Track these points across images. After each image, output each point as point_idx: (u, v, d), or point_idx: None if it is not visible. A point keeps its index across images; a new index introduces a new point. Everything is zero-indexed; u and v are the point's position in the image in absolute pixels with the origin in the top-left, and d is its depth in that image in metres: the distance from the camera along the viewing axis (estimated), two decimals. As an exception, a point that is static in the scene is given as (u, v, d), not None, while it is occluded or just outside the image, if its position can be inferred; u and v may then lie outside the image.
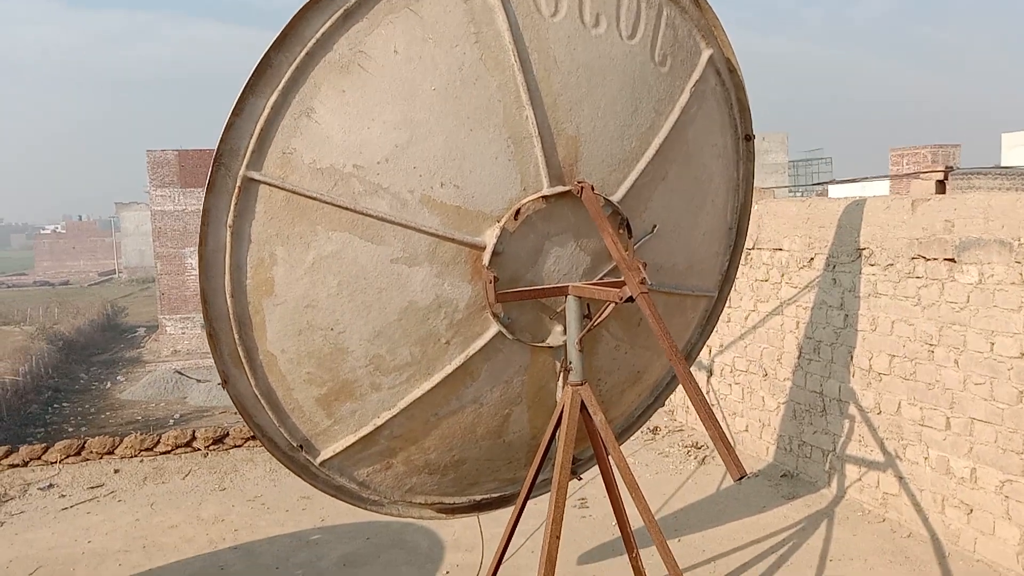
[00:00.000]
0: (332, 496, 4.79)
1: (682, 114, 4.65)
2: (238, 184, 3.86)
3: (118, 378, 36.88)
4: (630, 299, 3.91)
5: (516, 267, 4.28)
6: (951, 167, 7.34)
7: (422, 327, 4.21)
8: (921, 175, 7.25)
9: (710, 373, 9.32)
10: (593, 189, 4.20)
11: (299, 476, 4.64)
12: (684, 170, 4.80)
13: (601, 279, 4.57)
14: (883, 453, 6.66)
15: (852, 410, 7.00)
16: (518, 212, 4.13)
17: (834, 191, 24.08)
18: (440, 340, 4.28)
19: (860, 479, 7.01)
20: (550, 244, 4.35)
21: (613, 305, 4.15)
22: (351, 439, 4.50)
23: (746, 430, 8.71)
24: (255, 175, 3.87)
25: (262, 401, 4.29)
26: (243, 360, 4.17)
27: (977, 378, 5.73)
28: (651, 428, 9.80)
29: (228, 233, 3.92)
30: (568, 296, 4.33)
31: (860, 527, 6.75)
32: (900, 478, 6.54)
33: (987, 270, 5.60)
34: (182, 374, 34.01)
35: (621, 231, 4.48)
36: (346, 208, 3.92)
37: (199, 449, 9.30)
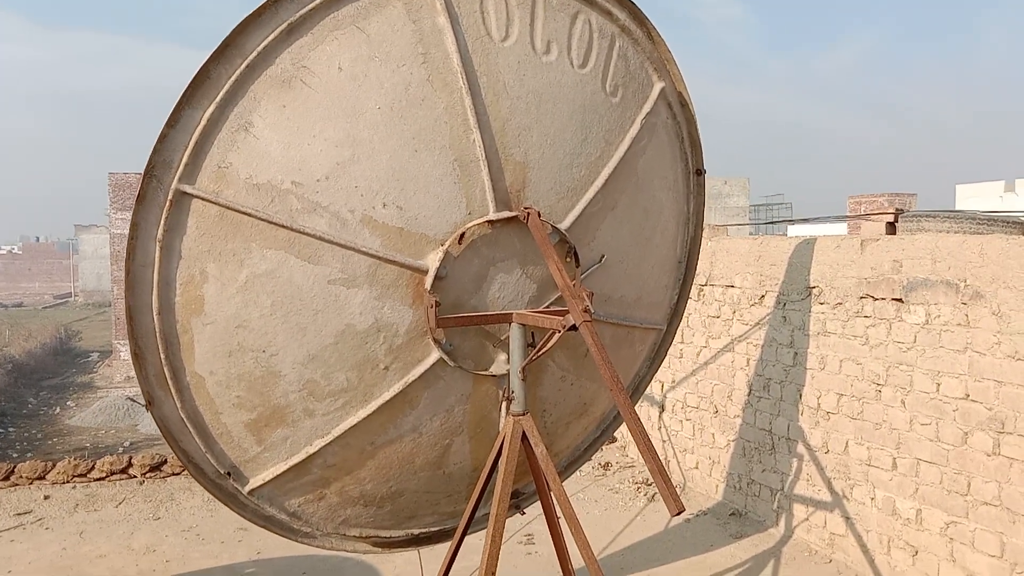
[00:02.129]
0: (262, 527, 4.58)
1: (632, 145, 4.61)
2: (170, 197, 3.71)
3: (68, 403, 35.81)
4: (573, 327, 3.81)
5: (459, 292, 4.16)
6: (901, 209, 7.41)
7: (360, 352, 4.06)
8: (871, 216, 7.30)
9: (662, 409, 9.24)
10: (540, 216, 4.11)
11: (227, 505, 4.43)
12: (633, 201, 4.74)
13: (547, 307, 4.47)
14: (830, 493, 6.60)
15: (800, 448, 6.95)
16: (462, 236, 4.03)
17: (793, 231, 24.43)
18: (378, 366, 4.13)
19: (808, 519, 6.94)
20: (495, 270, 4.24)
21: (557, 334, 4.04)
22: (282, 467, 4.30)
23: (696, 467, 8.62)
24: (188, 188, 3.72)
25: (188, 425, 4.09)
26: (169, 381, 3.98)
27: (923, 419, 5.71)
28: (602, 464, 9.67)
29: (157, 248, 3.75)
30: (512, 324, 4.22)
31: (807, 568, 6.66)
32: (847, 518, 6.48)
33: (934, 311, 5.61)
34: (134, 401, 33.07)
35: (568, 260, 4.40)
36: (282, 226, 3.78)
37: (135, 476, 8.96)
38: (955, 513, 5.50)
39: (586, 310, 3.79)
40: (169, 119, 3.65)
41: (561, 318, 3.89)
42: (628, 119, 4.61)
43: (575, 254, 4.39)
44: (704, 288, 8.24)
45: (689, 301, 6.58)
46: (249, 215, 3.75)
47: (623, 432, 9.34)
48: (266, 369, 4.00)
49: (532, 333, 4.33)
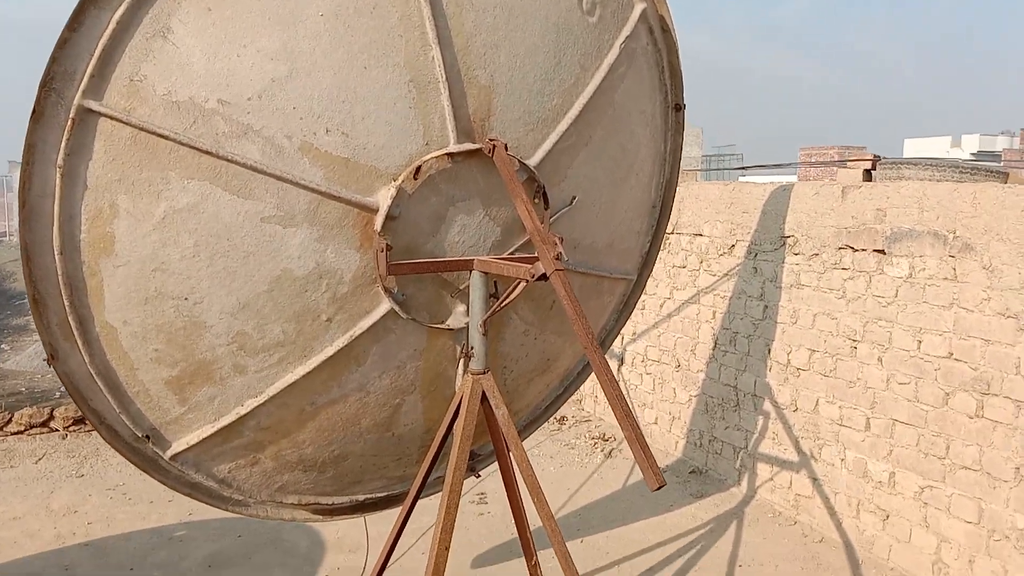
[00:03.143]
0: (187, 495, 4.13)
1: (610, 72, 4.15)
2: (72, 115, 3.15)
3: (2, 346, 34.47)
4: (543, 277, 3.38)
5: (414, 235, 3.70)
6: (879, 156, 7.12)
7: (298, 301, 3.58)
8: (848, 164, 6.99)
9: (621, 362, 8.95)
10: (507, 149, 3.65)
11: (146, 472, 3.97)
12: (609, 136, 4.30)
13: (511, 254, 4.03)
14: (797, 452, 6.39)
15: (767, 406, 6.71)
16: (418, 170, 3.55)
17: (743, 181, 24.38)
18: (320, 317, 3.66)
19: (772, 479, 6.73)
20: (455, 211, 3.78)
21: (524, 284, 3.62)
22: (209, 430, 3.84)
23: (655, 422, 8.37)
24: (94, 105, 3.16)
25: (99, 382, 3.59)
26: (75, 332, 3.46)
27: (901, 377, 5.47)
28: (557, 418, 9.37)
29: (58, 175, 3.20)
30: (473, 272, 3.78)
31: (771, 530, 6.47)
32: (814, 479, 6.28)
33: (919, 263, 5.33)
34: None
35: (536, 200, 3.96)
36: (207, 152, 3.26)
37: (57, 430, 8.37)
38: (931, 477, 5.30)
39: (558, 257, 3.37)
40: (70, 21, 3.07)
41: (529, 266, 3.46)
42: (606, 42, 4.14)
43: (544, 194, 3.96)
44: (670, 236, 7.89)
45: (656, 250, 6.21)
46: (167, 138, 3.22)
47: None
48: (189, 319, 3.51)
49: (495, 283, 3.91)
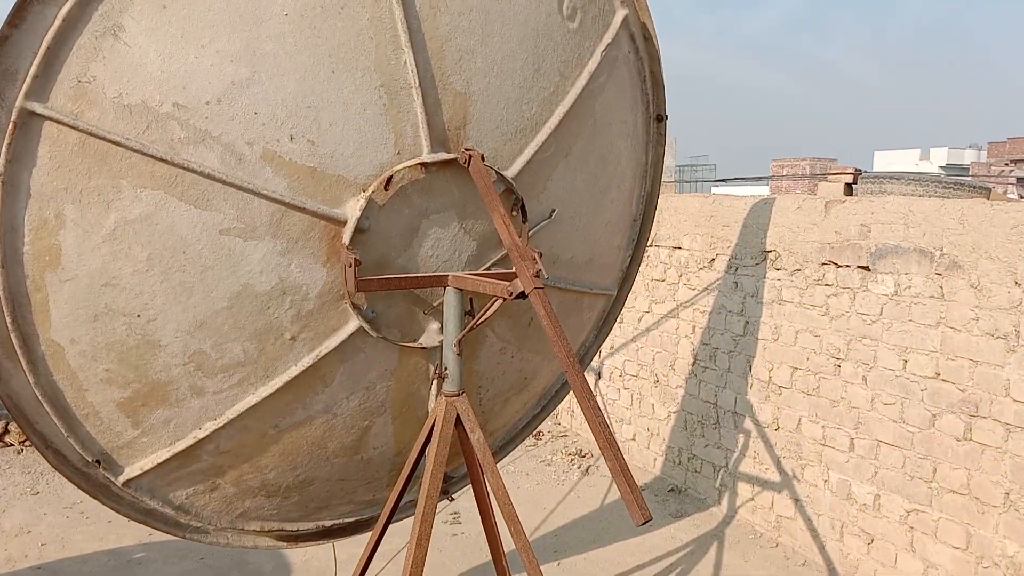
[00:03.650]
0: (141, 523, 3.88)
1: (591, 81, 3.99)
2: (13, 118, 2.94)
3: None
4: (522, 295, 3.20)
5: (384, 249, 3.50)
6: (860, 170, 7.01)
7: (260, 318, 3.37)
8: (829, 177, 6.88)
9: (599, 376, 8.78)
10: (483, 159, 3.47)
11: (96, 499, 3.73)
12: (590, 147, 4.14)
13: (487, 269, 3.85)
14: (779, 472, 6.24)
15: (748, 424, 6.56)
16: (389, 180, 3.37)
17: (717, 192, 24.40)
18: (283, 335, 3.45)
19: (753, 499, 6.58)
20: (428, 223, 3.59)
21: (500, 301, 3.42)
22: (165, 454, 3.61)
23: (633, 439, 8.20)
24: (38, 108, 2.94)
25: (45, 404, 3.36)
26: (18, 351, 3.23)
27: (887, 397, 5.33)
28: (533, 433, 9.17)
29: (-3, 183, 2.96)
30: (447, 288, 3.59)
31: (752, 552, 6.31)
32: (796, 500, 6.13)
33: (904, 281, 5.21)
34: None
35: (514, 214, 3.78)
36: (161, 159, 3.04)
37: (12, 444, 8.04)
38: (918, 500, 5.16)
39: (537, 274, 3.19)
40: (10, 17, 2.86)
41: (506, 283, 3.28)
42: (587, 50, 3.98)
43: (522, 207, 3.78)
44: (649, 249, 7.74)
45: (636, 263, 6.04)
46: (118, 144, 3.01)
47: (556, 400, 8.86)
48: (142, 337, 3.28)
49: (470, 299, 3.72)
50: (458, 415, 3.67)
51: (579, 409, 8.90)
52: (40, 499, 7.09)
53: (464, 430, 3.70)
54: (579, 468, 8.14)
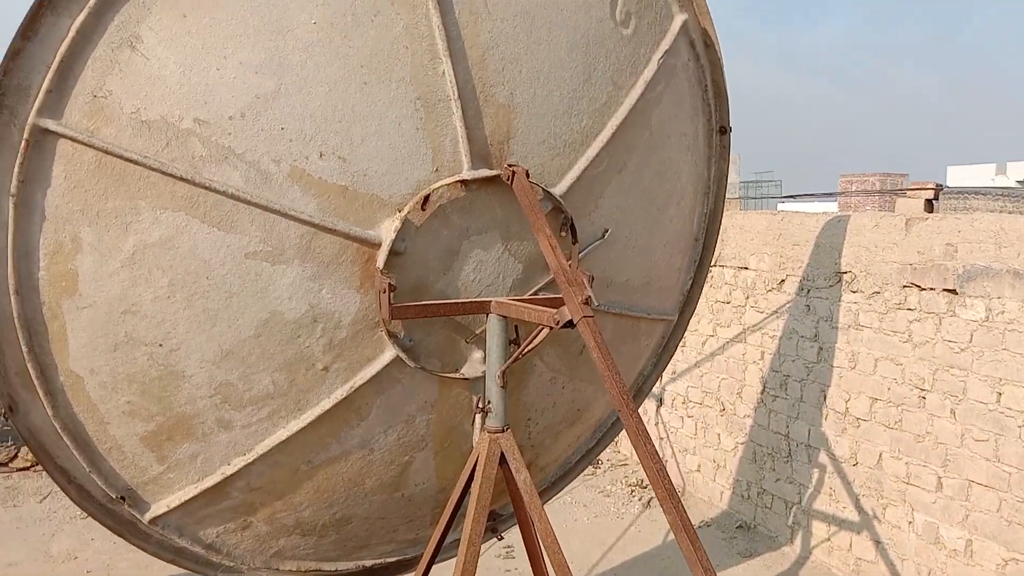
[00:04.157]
0: (170, 562, 3.69)
1: (647, 90, 3.70)
2: (26, 136, 2.79)
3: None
4: (569, 324, 2.91)
5: (422, 272, 3.26)
6: (941, 185, 6.55)
7: (290, 348, 3.15)
8: (908, 192, 6.43)
9: (660, 402, 8.40)
10: (528, 176, 3.20)
11: (122, 536, 3.55)
12: (646, 162, 3.84)
13: (535, 294, 3.57)
14: (858, 511, 5.78)
15: (823, 458, 6.11)
16: (427, 199, 3.13)
17: (784, 208, 23.64)
18: (315, 366, 3.23)
19: (829, 539, 6.12)
20: (469, 245, 3.34)
21: (547, 331, 3.14)
22: (192, 491, 3.42)
23: (698, 470, 7.79)
24: (51, 125, 2.79)
25: (65, 437, 3.20)
26: (36, 382, 3.07)
27: (978, 433, 4.86)
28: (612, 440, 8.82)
29: (11, 204, 2.83)
30: (490, 315, 3.32)
31: (828, 597, 5.85)
32: (878, 542, 5.66)
33: (996, 305, 4.75)
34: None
35: (563, 234, 3.50)
36: (182, 178, 2.86)
37: (67, 468, 8.03)
38: (1017, 549, 4.67)
39: (587, 301, 2.90)
40: (23, 29, 2.71)
41: (554, 310, 3.00)
42: (642, 57, 3.69)
43: (572, 227, 3.50)
44: (712, 269, 7.36)
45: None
46: (136, 163, 2.83)
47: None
48: (165, 368, 3.10)
49: (516, 326, 3.45)
50: (502, 453, 3.39)
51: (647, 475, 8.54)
52: (89, 523, 7.02)
53: (509, 469, 3.41)
54: (640, 500, 7.76)
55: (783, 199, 23.74)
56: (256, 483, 3.49)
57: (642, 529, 7.14)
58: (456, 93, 3.10)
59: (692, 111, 4.19)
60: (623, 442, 9.11)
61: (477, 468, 3.37)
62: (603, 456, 9.00)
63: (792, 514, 6.47)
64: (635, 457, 8.86)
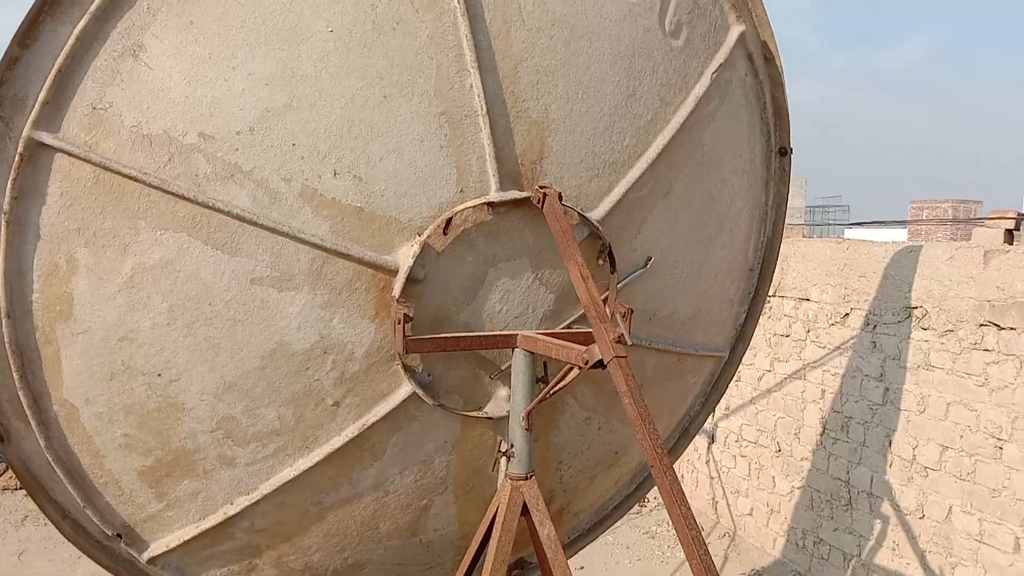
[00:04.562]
0: (170, 604, 3.49)
1: (698, 108, 3.45)
2: (20, 150, 2.66)
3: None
4: (599, 364, 2.65)
5: (443, 302, 3.05)
6: (1023, 214, 6.12)
7: (297, 381, 2.96)
8: (986, 221, 6.02)
9: (712, 439, 8.03)
10: (561, 199, 2.96)
11: (119, 576, 3.36)
12: (696, 185, 3.58)
13: (568, 327, 3.32)
14: (924, 570, 5.36)
15: (886, 508, 5.71)
16: (449, 223, 2.92)
17: (851, 236, 22.93)
18: (325, 400, 3.03)
19: (892, 598, 5.70)
20: (496, 273, 3.11)
21: (577, 370, 2.89)
22: (193, 530, 3.24)
23: (751, 513, 7.40)
24: (47, 138, 2.65)
25: (58, 470, 3.05)
26: (28, 411, 2.92)
27: (1064, 492, 4.44)
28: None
29: (3, 222, 2.69)
30: (515, 350, 3.08)
31: (890, 662, 5.44)
32: (946, 606, 5.24)
33: (1088, 350, 4.34)
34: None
35: (601, 262, 3.26)
36: (184, 197, 2.70)
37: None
38: (1108, 624, 4.24)
39: (619, 339, 2.64)
40: (20, 35, 2.59)
41: (583, 348, 2.74)
42: (694, 71, 3.45)
43: (611, 255, 3.25)
44: (771, 300, 7.02)
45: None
46: (136, 180, 2.68)
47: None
48: (163, 399, 2.93)
49: (544, 363, 3.20)
50: (525, 503, 3.13)
51: (689, 474, 8.15)
52: (116, 546, 6.95)
53: (533, 521, 3.15)
54: (687, 543, 7.41)
55: (850, 226, 23.09)
56: (261, 524, 3.29)
57: None
58: (485, 108, 2.89)
59: (749, 130, 3.91)
60: (671, 479, 8.76)
61: (497, 519, 3.12)
62: (651, 494, 8.65)
63: (851, 567, 6.06)
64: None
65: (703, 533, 7.52)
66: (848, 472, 6.09)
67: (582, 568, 6.17)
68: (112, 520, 3.21)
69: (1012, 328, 4.80)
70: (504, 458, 3.20)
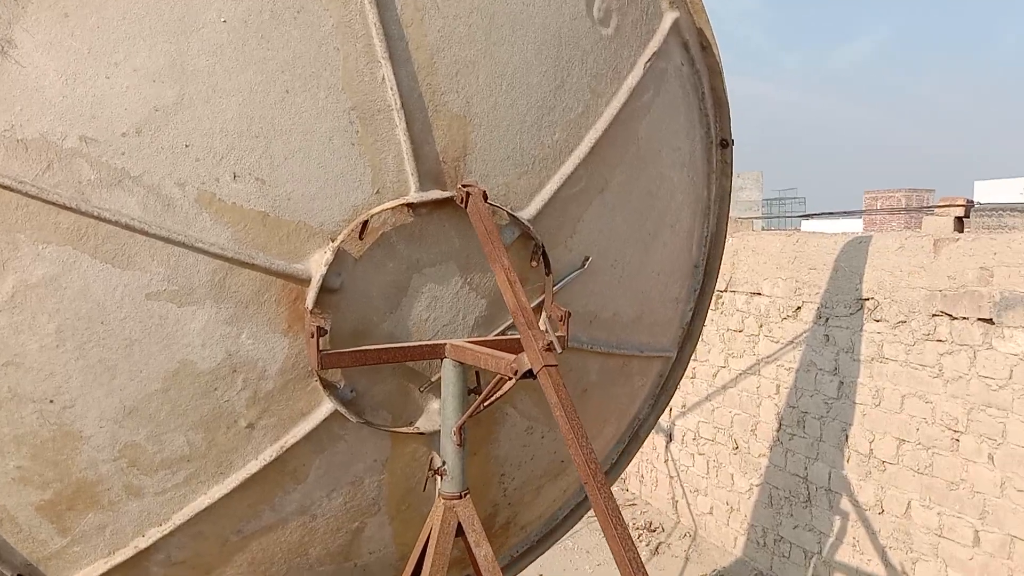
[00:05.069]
0: (83, 646, 3.23)
1: (631, 99, 3.27)
2: None
3: None
4: (529, 374, 2.45)
5: (364, 312, 2.83)
6: (972, 201, 6.05)
7: (205, 403, 2.73)
8: (936, 210, 5.92)
9: (670, 438, 7.89)
10: (487, 198, 2.76)
11: (25, 619, 3.08)
12: (633, 180, 3.41)
13: (503, 333, 3.13)
14: (885, 565, 5.25)
15: (845, 504, 5.59)
16: (365, 226, 2.69)
17: (807, 227, 23.02)
18: (238, 423, 2.80)
19: (853, 595, 5.58)
20: (421, 279, 2.90)
21: (509, 382, 2.69)
22: (103, 566, 2.99)
23: (711, 512, 7.26)
24: (-91, 145, 2.36)
25: (-55, 510, 2.74)
26: (-94, 446, 2.62)
27: (1020, 482, 4.33)
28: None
29: None
30: (444, 360, 2.87)
31: (853, 662, 5.31)
32: (908, 602, 5.12)
33: (1040, 337, 4.24)
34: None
35: (534, 264, 3.06)
36: (67, 207, 2.45)
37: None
38: (1069, 616, 4.14)
39: (550, 347, 2.44)
40: None
41: (512, 357, 2.54)
42: (626, 60, 3.27)
43: (544, 256, 3.06)
44: (723, 295, 6.88)
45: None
46: (12, 190, 2.43)
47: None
48: (58, 428, 2.67)
49: (477, 373, 3.00)
50: (460, 523, 2.92)
51: (650, 474, 8.00)
52: None
53: (468, 543, 2.94)
54: (647, 546, 7.24)
55: (803, 217, 23.18)
56: (178, 556, 3.04)
57: (649, 579, 6.62)
58: (399, 102, 2.68)
59: (688, 123, 3.75)
60: (630, 480, 8.60)
61: (430, 542, 2.91)
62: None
63: (812, 565, 5.94)
64: (643, 496, 8.34)
65: (664, 534, 7.37)
66: (806, 468, 5.97)
67: (540, 576, 5.97)
68: (11, 560, 2.94)
69: (965, 318, 4.70)
70: (435, 475, 2.98)
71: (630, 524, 7.75)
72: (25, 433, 2.68)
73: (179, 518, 2.91)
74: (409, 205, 2.75)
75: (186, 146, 2.49)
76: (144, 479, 2.82)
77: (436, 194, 2.78)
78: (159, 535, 2.93)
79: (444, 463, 2.93)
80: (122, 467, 2.78)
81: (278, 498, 3.01)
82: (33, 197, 2.42)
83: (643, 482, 8.39)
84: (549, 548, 4.40)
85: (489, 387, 2.79)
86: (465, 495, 2.97)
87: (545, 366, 2.43)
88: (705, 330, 7.06)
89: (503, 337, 3.07)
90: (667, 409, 7.76)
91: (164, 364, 2.65)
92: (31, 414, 2.65)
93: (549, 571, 6.51)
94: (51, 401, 2.64)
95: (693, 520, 7.45)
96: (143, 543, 2.94)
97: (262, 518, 3.04)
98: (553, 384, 2.40)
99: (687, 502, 7.59)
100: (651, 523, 7.67)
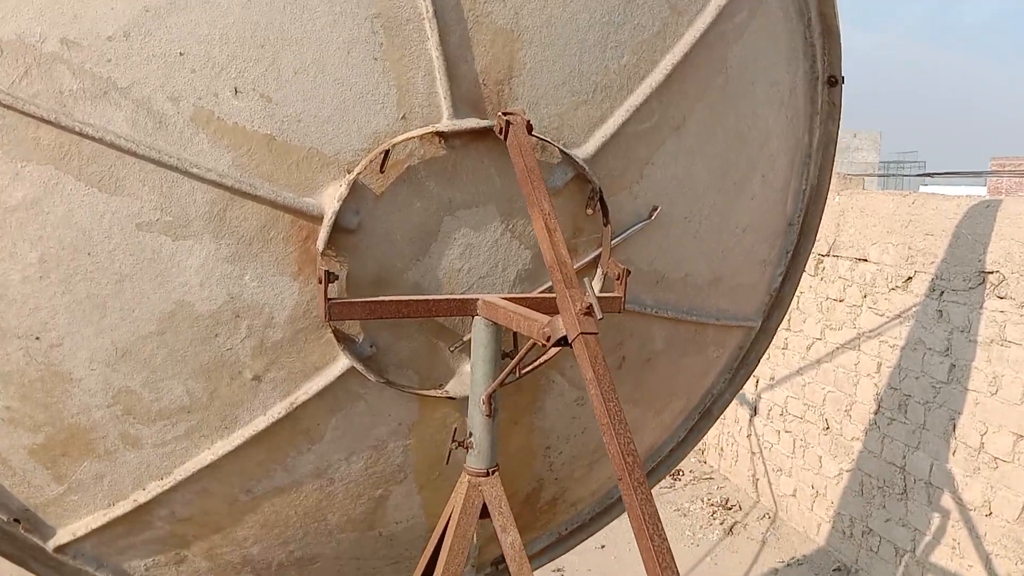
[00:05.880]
0: (89, 598, 3.06)
1: (720, 19, 2.82)
2: None
3: None
4: (563, 341, 2.06)
5: (386, 257, 2.50)
6: None
7: (205, 350, 2.45)
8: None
9: (754, 411, 7.37)
10: (531, 129, 2.35)
11: (25, 567, 2.95)
12: (718, 118, 2.96)
13: (549, 291, 2.73)
14: (988, 574, 4.69)
15: (947, 501, 5.04)
16: (386, 157, 2.33)
17: (926, 191, 21.52)
18: (242, 374, 2.52)
19: (949, 602, 5.05)
20: (454, 222, 2.54)
21: (546, 348, 2.29)
22: (102, 517, 2.80)
23: (794, 495, 6.77)
24: None
25: (-67, 448, 2.57)
26: None
27: None
28: (672, 471, 7.90)
29: None
30: (475, 319, 2.50)
31: (943, 676, 4.80)
32: (1013, 617, 4.57)
33: None
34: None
35: (590, 211, 2.65)
36: (47, 120, 2.18)
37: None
38: None
39: (589, 311, 2.04)
40: None
41: (546, 320, 2.14)
42: (715, -27, 2.76)
43: (603, 203, 2.64)
44: (824, 259, 6.29)
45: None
46: (-14, 98, 2.13)
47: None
48: (46, 367, 2.44)
49: (515, 334, 2.62)
50: (485, 503, 2.57)
51: (730, 448, 7.53)
52: None
53: (495, 526, 2.59)
54: (722, 524, 6.81)
55: (924, 176, 21.62)
56: (183, 513, 2.82)
57: (720, 562, 6.21)
58: (432, 9, 2.29)
59: (788, 53, 3.24)
60: (709, 451, 8.13)
61: (451, 521, 2.57)
62: (685, 466, 8.04)
63: (903, 564, 5.41)
64: (722, 470, 7.87)
65: (741, 513, 6.92)
66: (904, 457, 5.41)
67: (560, 570, 5.64)
68: (7, 504, 2.77)
69: (1109, 300, 4.03)
70: (461, 447, 2.63)
71: (703, 501, 7.33)
72: (11, 371, 2.46)
73: (181, 473, 2.68)
74: (440, 134, 2.37)
75: (180, 54, 2.17)
76: (142, 429, 2.58)
77: (472, 123, 2.39)
78: (159, 489, 2.71)
79: (471, 435, 2.58)
80: (117, 414, 2.54)
81: (291, 458, 2.74)
82: (8, 107, 2.15)
83: (722, 455, 7.92)
84: (602, 527, 4.05)
85: (521, 353, 2.40)
86: (494, 472, 2.61)
87: (582, 334, 2.02)
88: (801, 298, 6.49)
89: (547, 295, 2.67)
90: (753, 380, 7.24)
91: (159, 304, 2.37)
92: (16, 351, 2.42)
93: (611, 542, 6.18)
94: (37, 338, 2.40)
95: (774, 501, 6.97)
96: (143, 497, 2.73)
97: (274, 478, 2.78)
98: (590, 356, 2.00)
99: (768, 481, 7.11)
100: (727, 500, 7.22)
